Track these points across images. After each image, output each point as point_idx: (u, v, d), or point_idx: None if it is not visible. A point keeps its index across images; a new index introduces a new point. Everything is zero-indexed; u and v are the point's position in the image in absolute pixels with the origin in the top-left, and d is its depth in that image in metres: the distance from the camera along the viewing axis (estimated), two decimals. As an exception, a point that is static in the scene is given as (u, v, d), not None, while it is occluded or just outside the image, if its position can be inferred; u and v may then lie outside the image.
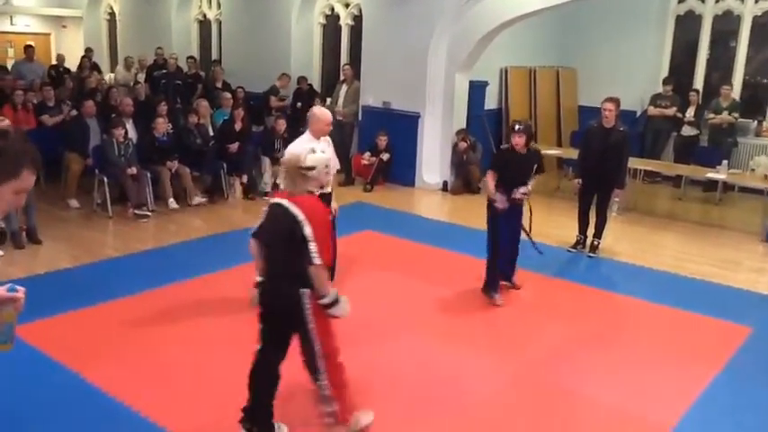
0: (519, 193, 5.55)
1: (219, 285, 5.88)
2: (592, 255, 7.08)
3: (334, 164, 5.41)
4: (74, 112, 9.13)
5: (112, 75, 13.41)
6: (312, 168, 3.45)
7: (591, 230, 7.15)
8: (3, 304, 2.09)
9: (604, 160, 6.74)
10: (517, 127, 5.59)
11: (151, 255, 6.64)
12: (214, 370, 4.39)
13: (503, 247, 5.57)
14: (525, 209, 5.85)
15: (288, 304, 3.38)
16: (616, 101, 6.72)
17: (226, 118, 9.34)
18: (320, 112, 5.28)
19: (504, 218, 5.57)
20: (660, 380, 4.54)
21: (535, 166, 5.72)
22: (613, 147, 6.72)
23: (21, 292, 2.11)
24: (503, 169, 5.60)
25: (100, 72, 12.92)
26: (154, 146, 8.20)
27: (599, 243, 7.10)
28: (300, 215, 3.29)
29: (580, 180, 7.05)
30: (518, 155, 5.59)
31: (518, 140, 5.54)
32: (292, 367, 3.57)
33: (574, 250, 7.21)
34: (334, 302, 3.40)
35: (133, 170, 7.74)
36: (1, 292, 2.11)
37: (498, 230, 5.60)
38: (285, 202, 3.37)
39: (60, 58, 12.82)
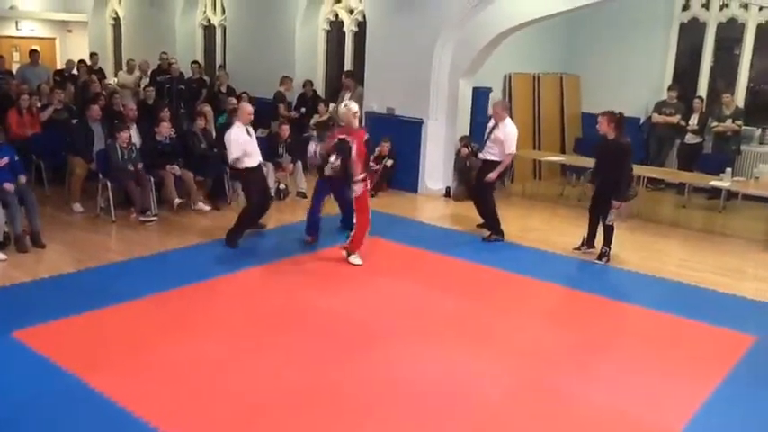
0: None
1: (223, 290, 5.89)
2: (603, 263, 7.06)
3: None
4: (50, 111, 9.24)
5: (116, 79, 13.44)
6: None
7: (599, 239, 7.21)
8: None
9: (602, 170, 7.06)
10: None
11: (155, 259, 6.64)
12: (219, 375, 4.39)
13: (339, 205, 7.15)
14: None
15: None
16: (609, 114, 6.88)
17: (223, 122, 9.34)
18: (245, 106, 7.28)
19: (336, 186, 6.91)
20: (664, 387, 4.53)
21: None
22: (612, 158, 6.90)
23: None
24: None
25: (104, 77, 12.94)
26: (156, 150, 8.22)
27: (607, 251, 7.08)
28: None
29: (589, 184, 7.53)
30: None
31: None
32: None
33: (577, 251, 7.33)
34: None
35: (139, 166, 7.79)
36: None
37: (320, 189, 7.13)
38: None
39: (70, 64, 12.79)
